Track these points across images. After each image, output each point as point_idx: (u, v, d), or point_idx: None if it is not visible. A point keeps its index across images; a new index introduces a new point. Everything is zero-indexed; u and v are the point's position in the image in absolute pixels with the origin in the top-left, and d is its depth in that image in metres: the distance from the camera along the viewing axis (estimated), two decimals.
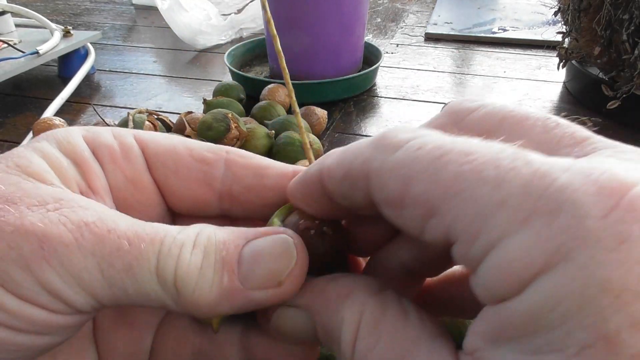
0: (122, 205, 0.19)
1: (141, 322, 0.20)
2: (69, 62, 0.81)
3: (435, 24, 1.03)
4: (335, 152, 0.16)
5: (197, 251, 0.16)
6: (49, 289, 0.15)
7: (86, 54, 0.83)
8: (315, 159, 0.21)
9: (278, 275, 0.16)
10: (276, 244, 0.17)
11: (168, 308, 0.16)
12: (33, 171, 0.17)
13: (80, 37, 0.81)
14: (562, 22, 0.69)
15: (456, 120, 0.16)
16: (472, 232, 0.12)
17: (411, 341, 0.14)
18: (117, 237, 0.16)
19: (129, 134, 0.20)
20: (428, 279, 0.20)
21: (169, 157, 0.20)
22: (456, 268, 0.20)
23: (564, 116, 0.15)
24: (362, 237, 0.19)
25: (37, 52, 0.72)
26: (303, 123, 0.57)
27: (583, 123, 0.15)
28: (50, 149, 0.18)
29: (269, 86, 0.66)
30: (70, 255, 0.15)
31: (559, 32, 0.71)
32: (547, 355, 0.10)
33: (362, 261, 0.21)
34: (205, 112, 0.61)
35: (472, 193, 0.12)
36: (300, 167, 0.20)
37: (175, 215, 0.21)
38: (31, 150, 0.18)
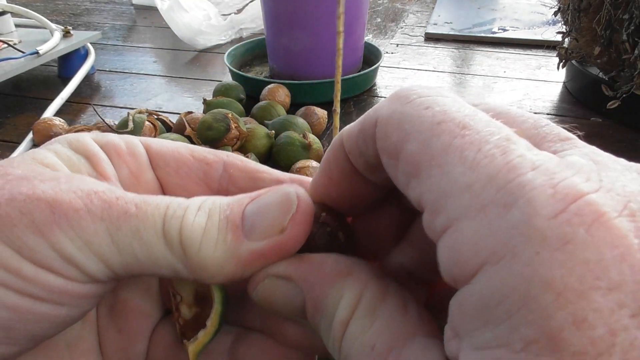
0: None
1: (130, 328, 0.20)
2: (69, 62, 0.81)
3: (435, 24, 1.03)
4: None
5: (202, 212, 0.17)
6: (62, 254, 0.15)
7: (86, 54, 0.83)
8: (315, 159, 0.21)
9: (280, 222, 0.16)
10: (276, 194, 0.17)
11: (179, 273, 0.17)
12: (48, 163, 0.18)
13: (80, 37, 0.81)
14: (562, 22, 0.69)
15: None
16: (437, 206, 0.12)
17: (405, 333, 0.14)
18: (125, 203, 0.16)
19: (134, 137, 0.21)
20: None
21: (171, 156, 0.21)
22: None
23: (557, 122, 0.16)
24: (370, 238, 0.20)
25: (37, 52, 0.72)
26: (301, 122, 0.57)
27: (574, 127, 0.15)
28: (61, 148, 0.19)
29: (269, 86, 0.66)
30: (80, 219, 0.15)
31: (558, 32, 0.71)
32: (495, 351, 0.11)
33: None
34: (205, 112, 0.61)
35: (449, 169, 0.12)
36: (296, 176, 0.21)
37: None
38: (45, 150, 0.18)
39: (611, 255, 0.10)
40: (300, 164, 0.50)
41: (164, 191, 0.21)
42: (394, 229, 0.19)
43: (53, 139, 0.19)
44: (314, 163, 0.50)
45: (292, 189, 0.17)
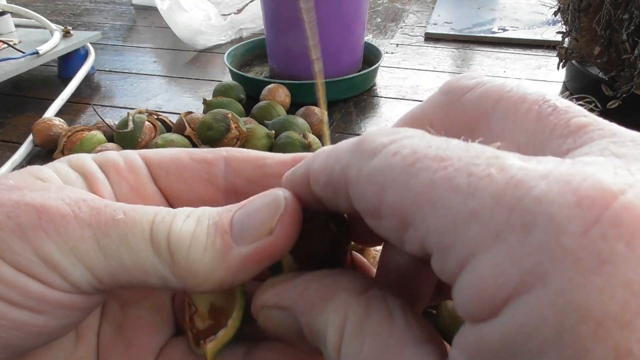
0: None
1: (140, 343, 0.20)
2: (69, 62, 0.81)
3: (435, 24, 1.03)
4: (322, 154, 0.16)
5: (190, 219, 0.16)
6: (46, 259, 0.15)
7: (86, 54, 0.83)
8: None
9: (268, 223, 0.16)
10: (264, 198, 0.17)
11: (167, 282, 0.16)
12: (42, 176, 0.17)
13: (80, 37, 0.81)
14: (562, 22, 0.69)
15: (452, 100, 0.16)
16: (445, 246, 0.11)
17: (396, 345, 0.13)
18: (113, 210, 0.16)
19: (133, 151, 0.20)
20: None
21: (172, 164, 0.20)
22: None
23: (567, 97, 0.14)
24: (365, 228, 0.19)
25: (37, 53, 0.72)
26: (301, 122, 0.57)
27: (588, 103, 0.13)
28: (59, 165, 0.19)
29: (269, 86, 0.66)
30: (67, 225, 0.15)
31: (558, 32, 0.71)
32: None
33: (364, 259, 0.21)
34: (205, 112, 0.61)
35: (443, 203, 0.11)
36: (299, 155, 0.21)
37: None
38: (42, 166, 0.18)
39: None
40: None
41: (168, 200, 0.21)
42: None
43: (56, 161, 0.19)
44: None
45: (280, 192, 0.17)
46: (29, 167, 0.18)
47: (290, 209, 0.16)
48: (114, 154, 0.20)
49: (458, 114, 0.16)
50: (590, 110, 0.13)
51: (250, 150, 0.21)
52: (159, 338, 0.20)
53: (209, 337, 0.19)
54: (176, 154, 0.21)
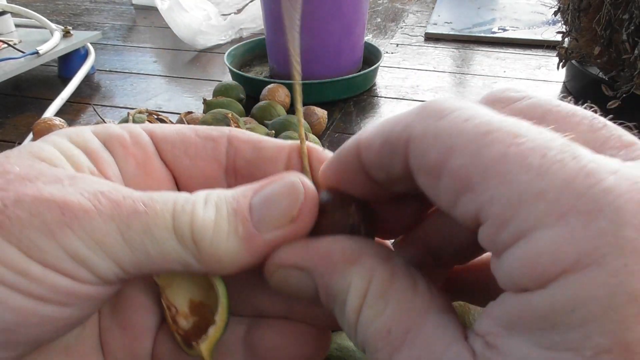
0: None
1: (135, 325, 0.20)
2: (69, 62, 0.81)
3: (435, 24, 1.03)
4: (373, 125, 0.16)
5: (209, 206, 0.17)
6: (74, 255, 0.15)
7: (86, 54, 0.83)
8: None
9: (289, 212, 0.17)
10: (282, 185, 0.17)
11: (190, 267, 0.17)
12: (45, 157, 0.17)
13: (80, 37, 0.81)
14: (562, 22, 0.69)
15: (498, 109, 0.16)
16: (504, 217, 0.12)
17: (418, 312, 0.14)
18: (133, 202, 0.16)
19: (136, 125, 0.21)
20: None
21: (177, 138, 0.21)
22: (485, 256, 0.19)
23: (611, 119, 0.15)
24: (389, 219, 0.19)
25: (37, 53, 0.72)
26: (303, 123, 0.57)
27: (628, 128, 0.14)
28: (61, 141, 0.19)
29: (269, 86, 0.66)
30: (91, 220, 0.15)
31: (558, 32, 0.71)
32: (562, 353, 0.11)
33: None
34: (205, 112, 0.61)
35: (512, 177, 0.12)
36: (296, 142, 0.21)
37: None
38: (43, 142, 0.18)
39: None
40: None
41: (173, 175, 0.21)
42: (412, 212, 0.19)
43: (52, 132, 0.19)
44: None
45: (297, 178, 0.17)
46: (28, 144, 0.18)
47: (310, 198, 0.17)
48: (117, 128, 0.20)
49: None
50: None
51: (250, 133, 0.21)
52: (154, 318, 0.20)
53: (198, 335, 0.19)
54: (180, 129, 0.21)
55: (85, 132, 0.19)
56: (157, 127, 0.21)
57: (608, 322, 0.10)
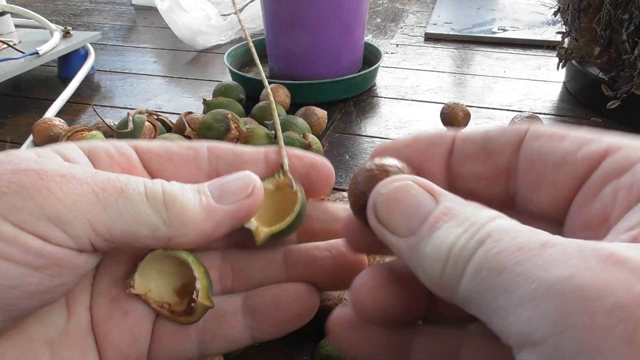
0: None
1: (137, 310, 0.21)
2: (68, 62, 0.81)
3: (435, 24, 1.03)
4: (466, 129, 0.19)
5: (174, 184, 0.19)
6: (50, 214, 0.16)
7: (86, 55, 0.83)
8: None
9: (245, 189, 0.20)
10: (235, 174, 0.21)
11: (157, 232, 0.18)
12: (26, 157, 0.18)
13: (80, 38, 0.81)
14: (562, 22, 0.69)
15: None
16: None
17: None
18: (107, 173, 0.18)
19: (121, 140, 0.22)
20: None
21: (161, 149, 0.22)
22: None
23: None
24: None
25: (37, 53, 0.72)
26: (300, 122, 0.57)
27: None
28: (43, 150, 0.20)
29: (269, 86, 0.66)
30: (67, 182, 0.17)
31: (558, 32, 0.71)
32: None
33: None
34: (205, 112, 0.61)
35: None
36: (272, 147, 0.24)
37: None
38: (25, 153, 0.19)
39: None
40: None
41: None
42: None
43: (39, 148, 0.20)
44: None
45: (249, 172, 0.21)
46: (11, 151, 0.19)
47: (259, 183, 0.21)
48: (102, 142, 0.22)
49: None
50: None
51: (229, 143, 0.24)
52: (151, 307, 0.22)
53: (194, 303, 0.21)
54: (164, 142, 0.23)
55: (69, 145, 0.21)
56: (141, 142, 0.23)
57: None
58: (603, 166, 0.16)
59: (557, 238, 0.13)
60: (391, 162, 0.19)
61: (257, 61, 0.26)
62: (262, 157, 0.23)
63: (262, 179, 0.23)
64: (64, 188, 0.16)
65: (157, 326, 0.21)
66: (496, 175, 0.19)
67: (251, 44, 0.26)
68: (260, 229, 0.22)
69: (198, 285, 0.21)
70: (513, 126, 0.18)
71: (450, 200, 0.16)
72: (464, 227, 0.15)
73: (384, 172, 0.18)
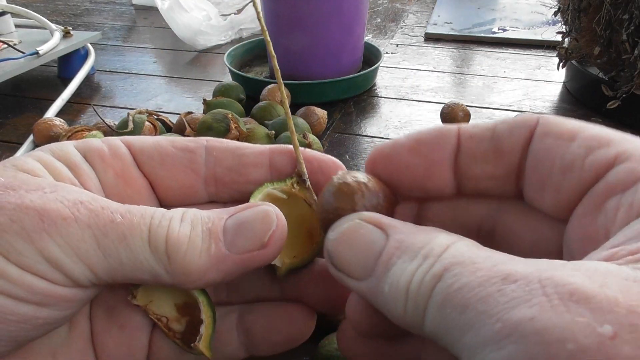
0: (114, 200, 0.21)
1: (133, 323, 0.21)
2: (69, 62, 0.81)
3: (435, 24, 1.03)
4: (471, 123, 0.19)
5: (185, 223, 0.18)
6: (49, 258, 0.16)
7: (86, 55, 0.83)
8: None
9: (261, 238, 0.18)
10: (256, 212, 0.19)
11: (160, 278, 0.18)
12: (28, 168, 0.18)
13: (80, 38, 0.81)
14: (562, 22, 0.69)
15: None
16: None
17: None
18: (111, 212, 0.17)
19: (116, 138, 0.22)
20: None
21: (154, 150, 0.21)
22: None
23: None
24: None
25: (37, 53, 0.72)
26: (301, 122, 0.57)
27: None
28: (43, 155, 0.19)
29: (269, 86, 0.66)
30: (68, 227, 0.16)
31: (558, 32, 0.71)
32: None
33: None
34: (205, 112, 0.61)
35: None
36: (276, 146, 0.22)
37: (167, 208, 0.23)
38: (26, 156, 0.19)
39: None
40: None
41: (152, 185, 0.22)
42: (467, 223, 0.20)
43: (37, 148, 0.20)
44: None
45: (271, 208, 0.19)
46: (11, 159, 0.19)
47: (280, 227, 0.19)
48: (97, 142, 0.21)
49: None
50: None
51: (229, 141, 0.22)
52: (150, 317, 0.21)
53: (193, 333, 0.20)
54: (158, 140, 0.22)
55: (67, 146, 0.20)
56: (135, 139, 0.22)
57: None
58: (607, 177, 0.15)
59: (518, 268, 0.12)
60: (354, 178, 0.18)
61: (274, 63, 0.23)
62: (267, 161, 0.22)
63: (271, 182, 0.21)
64: (63, 233, 0.16)
65: (153, 339, 0.21)
66: (507, 174, 0.18)
67: (267, 38, 0.23)
68: (283, 262, 0.20)
69: (202, 330, 0.20)
70: (522, 119, 0.17)
71: (401, 232, 0.16)
72: (418, 261, 0.14)
73: (346, 194, 0.18)
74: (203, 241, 0.18)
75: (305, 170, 0.21)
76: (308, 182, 0.21)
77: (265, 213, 0.19)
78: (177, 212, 0.18)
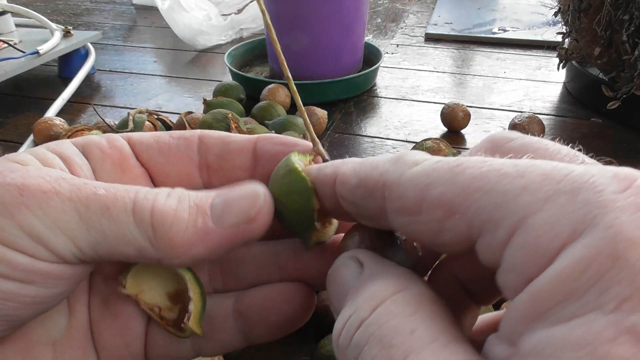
0: None
1: (126, 312, 0.21)
2: (69, 62, 0.81)
3: (436, 25, 1.03)
4: (352, 162, 0.17)
5: (172, 198, 0.18)
6: (30, 233, 0.16)
7: (86, 54, 0.83)
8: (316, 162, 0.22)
9: (248, 212, 0.18)
10: (244, 189, 0.19)
11: (145, 252, 0.17)
12: (19, 159, 0.18)
13: (80, 37, 0.81)
14: (562, 23, 0.69)
15: (496, 146, 0.18)
16: (496, 220, 0.12)
17: (450, 334, 0.14)
18: (93, 187, 0.17)
19: (114, 134, 0.22)
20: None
21: (152, 140, 0.22)
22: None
23: (594, 157, 0.16)
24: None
25: (37, 52, 0.72)
26: (301, 122, 0.57)
27: (610, 162, 0.16)
28: (37, 149, 0.19)
29: (269, 86, 0.66)
30: (49, 200, 0.16)
31: (559, 33, 0.71)
32: (584, 317, 0.10)
33: None
34: (205, 112, 0.61)
35: (493, 186, 0.13)
36: (263, 135, 0.22)
37: None
38: (20, 152, 0.19)
39: None
40: None
41: (149, 173, 0.22)
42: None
43: (37, 147, 0.20)
44: None
45: (259, 185, 0.19)
46: (6, 154, 0.19)
47: (267, 202, 0.19)
48: (96, 137, 0.21)
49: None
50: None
51: (221, 132, 0.23)
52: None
53: (184, 324, 0.20)
54: (156, 133, 0.22)
55: (64, 142, 0.20)
56: (134, 133, 0.22)
57: (619, 270, 0.10)
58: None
59: (420, 353, 0.13)
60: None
61: (282, 59, 0.23)
62: (251, 146, 0.22)
63: (297, 152, 0.21)
64: (44, 206, 0.16)
65: (150, 328, 0.21)
66: (376, 215, 0.17)
67: (274, 37, 0.22)
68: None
69: (191, 307, 0.20)
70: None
71: (369, 268, 0.16)
72: (349, 312, 0.15)
73: None
74: (190, 215, 0.17)
75: (322, 150, 0.21)
76: (324, 153, 0.22)
77: (252, 189, 0.19)
78: (164, 189, 0.18)
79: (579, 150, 0.16)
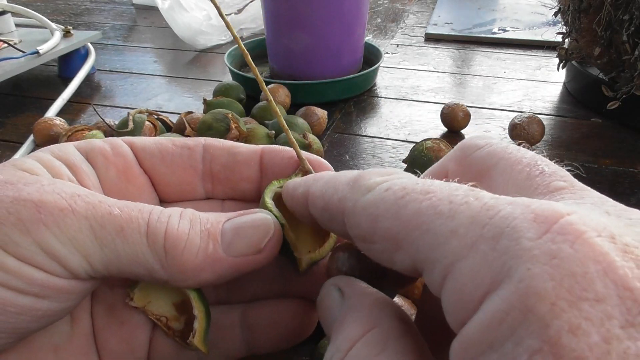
0: (115, 198, 0.21)
1: (133, 320, 0.21)
2: (69, 62, 0.81)
3: (436, 25, 1.03)
4: (321, 180, 0.18)
5: (184, 221, 0.18)
6: (46, 250, 0.16)
7: (86, 54, 0.83)
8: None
9: (258, 243, 0.19)
10: (254, 219, 0.19)
11: (154, 274, 0.18)
12: (27, 167, 0.18)
13: (80, 37, 0.81)
14: (562, 23, 0.69)
15: (465, 155, 0.18)
16: (431, 261, 0.13)
17: None
18: (108, 206, 0.17)
19: (116, 138, 0.22)
20: None
21: (155, 147, 0.22)
22: None
23: (557, 162, 0.16)
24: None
25: (37, 52, 0.72)
26: (301, 122, 0.57)
27: (576, 168, 0.16)
28: (42, 155, 0.20)
29: (269, 86, 0.66)
30: (65, 218, 0.16)
31: (559, 33, 0.71)
32: None
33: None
34: (205, 112, 0.61)
35: (429, 226, 0.13)
36: (268, 147, 0.23)
37: (166, 205, 0.23)
38: (25, 157, 0.19)
39: (595, 269, 0.10)
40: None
41: (152, 182, 0.22)
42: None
43: (38, 150, 0.20)
44: None
45: (270, 216, 0.20)
46: (10, 160, 0.19)
47: (277, 234, 0.19)
48: (99, 141, 0.21)
49: (469, 167, 0.18)
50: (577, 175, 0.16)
51: (225, 140, 0.23)
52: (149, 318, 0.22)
53: (192, 330, 0.21)
54: (159, 139, 0.22)
55: (67, 147, 0.21)
56: (137, 139, 0.22)
57: (529, 323, 0.10)
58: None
59: None
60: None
61: (250, 60, 0.24)
62: (257, 158, 0.23)
63: (279, 180, 0.22)
64: (60, 224, 0.16)
65: (154, 336, 0.21)
66: (346, 235, 0.18)
67: (234, 33, 0.23)
68: (303, 257, 0.21)
69: (196, 325, 0.20)
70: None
71: (349, 299, 0.16)
72: (331, 354, 0.15)
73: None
74: (202, 240, 0.18)
75: (309, 166, 0.22)
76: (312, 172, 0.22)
77: (262, 220, 0.19)
78: (176, 209, 0.19)
79: (545, 155, 0.17)
